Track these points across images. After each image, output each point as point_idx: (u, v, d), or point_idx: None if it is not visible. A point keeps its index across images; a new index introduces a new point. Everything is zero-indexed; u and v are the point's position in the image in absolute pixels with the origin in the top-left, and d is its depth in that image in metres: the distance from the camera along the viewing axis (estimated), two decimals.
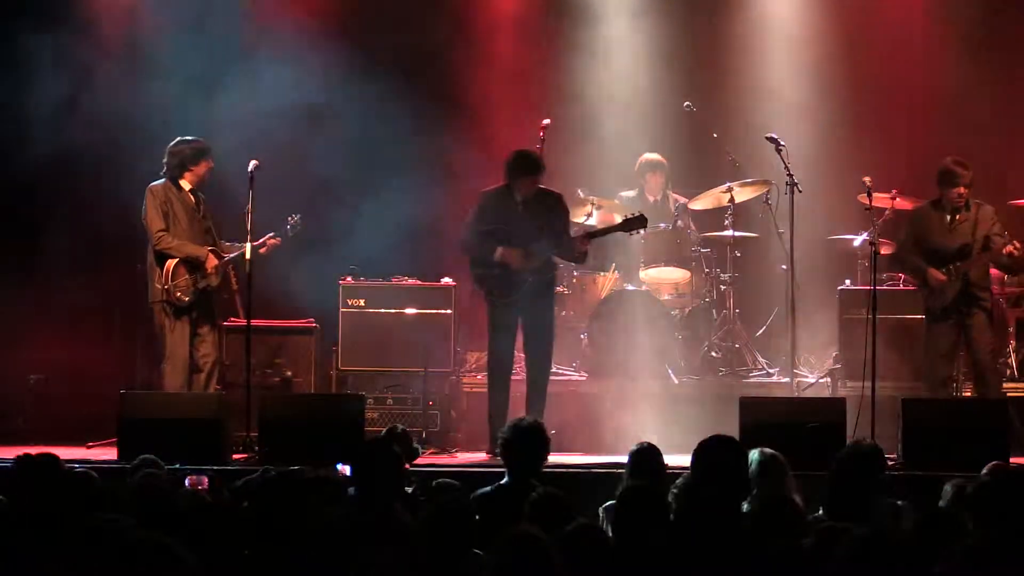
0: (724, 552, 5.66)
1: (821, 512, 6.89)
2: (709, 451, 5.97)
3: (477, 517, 6.02)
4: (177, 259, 11.33)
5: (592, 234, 11.71)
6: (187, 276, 11.33)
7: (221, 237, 11.74)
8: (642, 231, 11.87)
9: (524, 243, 11.30)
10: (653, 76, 14.09)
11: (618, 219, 11.99)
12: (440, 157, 13.69)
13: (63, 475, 6.39)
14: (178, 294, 11.28)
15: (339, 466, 10.20)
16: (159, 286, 11.32)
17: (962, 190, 11.34)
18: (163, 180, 11.50)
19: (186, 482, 7.71)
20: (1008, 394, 12.05)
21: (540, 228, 11.33)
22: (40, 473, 6.36)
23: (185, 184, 11.50)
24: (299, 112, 13.44)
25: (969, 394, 11.80)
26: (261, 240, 11.46)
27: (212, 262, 11.38)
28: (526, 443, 7.11)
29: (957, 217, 11.45)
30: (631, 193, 13.84)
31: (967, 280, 11.39)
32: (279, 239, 11.62)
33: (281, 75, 13.29)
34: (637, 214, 11.66)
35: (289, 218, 11.73)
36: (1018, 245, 11.23)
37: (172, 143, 11.60)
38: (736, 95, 14.14)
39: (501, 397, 11.44)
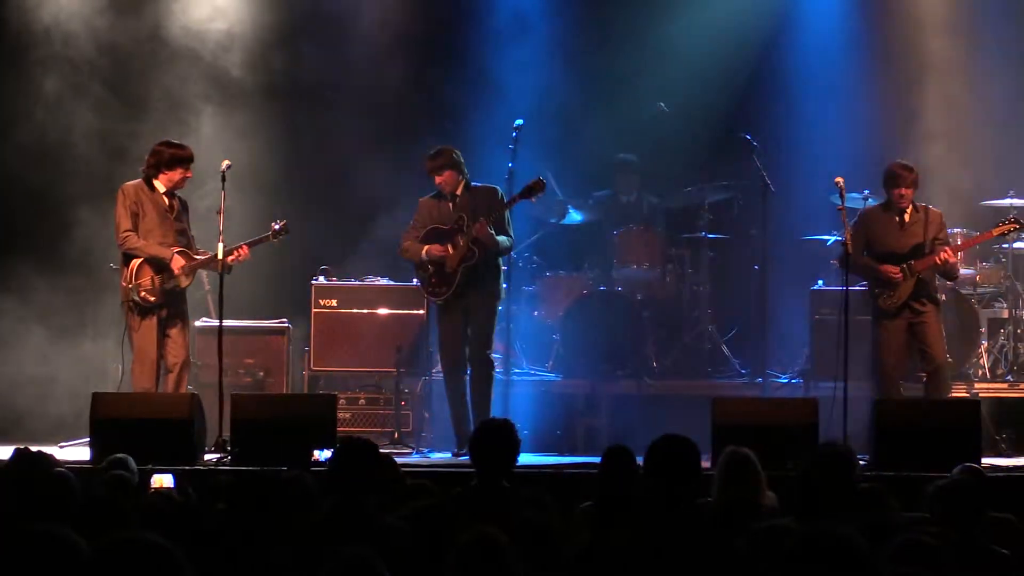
0: (683, 548, 5.67)
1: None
2: (659, 447, 6.01)
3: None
4: (142, 259, 11.24)
5: (489, 214, 11.27)
6: (152, 276, 11.18)
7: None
8: (541, 195, 11.50)
9: (451, 239, 11.26)
10: (627, 75, 14.07)
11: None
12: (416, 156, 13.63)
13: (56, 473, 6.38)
14: (143, 294, 11.17)
15: (315, 452, 10.27)
16: (125, 285, 11.25)
17: (903, 191, 11.39)
18: (137, 179, 11.40)
19: (151, 482, 7.69)
20: (980, 395, 12.09)
21: (463, 220, 11.24)
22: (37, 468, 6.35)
23: (159, 185, 11.36)
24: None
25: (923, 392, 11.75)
26: (232, 248, 11.27)
27: (178, 263, 11.24)
28: (495, 443, 7.07)
29: (908, 218, 11.49)
30: (603, 193, 13.86)
31: (920, 278, 11.42)
32: (247, 249, 11.36)
33: None
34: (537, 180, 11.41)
35: (273, 223, 11.57)
36: (951, 252, 11.33)
37: (159, 141, 11.49)
38: (709, 93, 14.09)
39: (456, 396, 11.39)
